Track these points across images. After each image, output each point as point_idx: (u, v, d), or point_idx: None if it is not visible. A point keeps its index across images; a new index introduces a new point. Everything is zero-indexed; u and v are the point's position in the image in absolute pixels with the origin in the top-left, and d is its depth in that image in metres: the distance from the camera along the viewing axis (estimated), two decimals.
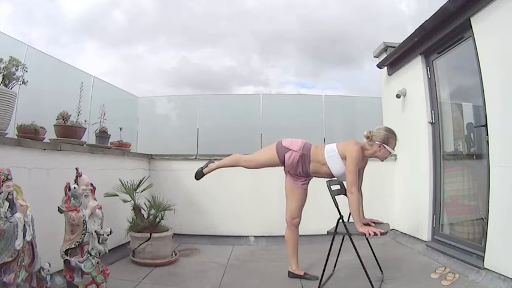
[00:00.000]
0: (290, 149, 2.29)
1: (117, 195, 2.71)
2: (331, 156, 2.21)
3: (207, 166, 2.61)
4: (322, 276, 2.15)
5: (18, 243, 1.42)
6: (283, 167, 2.41)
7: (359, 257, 1.98)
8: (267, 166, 2.46)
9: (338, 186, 2.30)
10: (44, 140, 2.19)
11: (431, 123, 3.09)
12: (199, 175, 2.63)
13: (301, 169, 2.29)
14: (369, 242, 2.27)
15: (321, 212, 2.97)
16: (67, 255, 1.76)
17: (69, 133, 2.37)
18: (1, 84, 1.84)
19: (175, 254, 2.85)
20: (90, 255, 1.83)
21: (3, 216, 1.39)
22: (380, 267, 2.34)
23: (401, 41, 3.28)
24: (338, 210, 2.04)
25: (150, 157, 3.72)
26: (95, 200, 1.97)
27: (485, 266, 2.16)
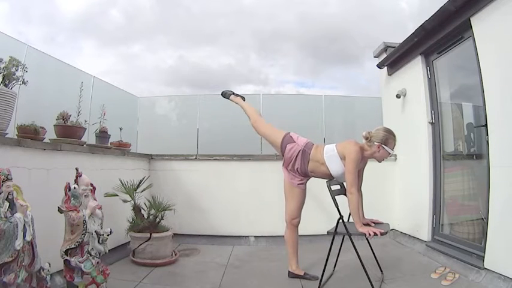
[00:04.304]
0: (294, 141, 2.33)
1: (117, 195, 2.71)
2: (330, 156, 2.21)
3: (236, 96, 2.72)
4: (322, 276, 2.15)
5: (18, 243, 1.42)
6: (282, 163, 2.41)
7: (359, 257, 1.98)
8: (266, 139, 2.55)
9: (338, 186, 2.30)
10: (44, 140, 2.19)
11: (431, 123, 3.09)
12: (226, 95, 2.74)
13: (299, 165, 2.29)
14: (369, 242, 2.27)
15: (321, 212, 2.98)
16: (67, 255, 1.76)
17: (69, 133, 2.37)
18: (1, 84, 1.84)
19: (175, 254, 2.85)
20: (90, 255, 1.83)
21: (3, 216, 1.39)
22: (380, 267, 2.34)
23: (401, 41, 3.29)
24: (338, 210, 2.04)
25: (150, 157, 3.72)
26: (95, 200, 1.97)
27: (485, 266, 2.16)
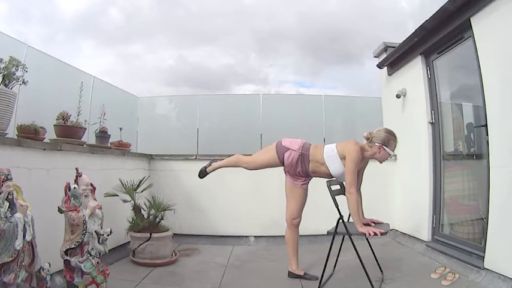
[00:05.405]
0: (289, 149, 2.30)
1: (117, 195, 2.71)
2: (330, 156, 2.21)
3: (210, 165, 2.62)
4: (322, 276, 2.15)
5: (18, 243, 1.42)
6: (283, 167, 2.41)
7: (359, 257, 1.98)
8: (268, 167, 2.46)
9: (338, 186, 2.30)
10: (44, 140, 2.19)
11: (431, 123, 3.09)
12: (202, 174, 2.64)
13: (300, 169, 2.29)
14: (369, 242, 2.27)
15: (321, 212, 2.97)
16: (67, 255, 1.76)
17: (69, 133, 2.37)
18: (1, 84, 1.84)
19: (175, 254, 2.85)
20: (90, 255, 1.83)
21: (3, 216, 1.39)
22: (380, 267, 2.34)
23: (401, 41, 3.29)
24: (338, 210, 2.04)
25: (150, 157, 3.72)
26: (95, 200, 1.97)
27: (485, 266, 2.16)
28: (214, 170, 2.62)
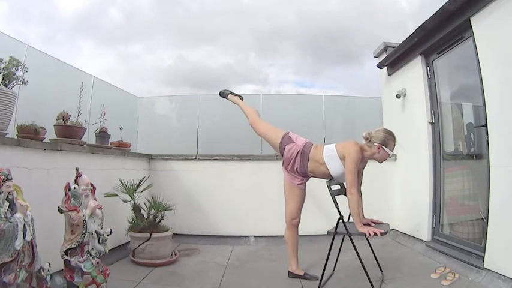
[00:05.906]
0: (293, 142, 2.33)
1: (117, 195, 2.71)
2: (330, 156, 2.21)
3: (234, 96, 2.72)
4: (322, 276, 2.15)
5: (18, 243, 1.42)
6: (281, 164, 2.41)
7: (359, 257, 1.98)
8: (265, 139, 2.54)
9: (338, 186, 2.30)
10: (44, 140, 2.19)
11: (431, 123, 3.09)
12: (223, 94, 2.75)
13: (298, 166, 2.29)
14: (369, 242, 2.27)
15: (321, 212, 2.98)
16: (67, 255, 1.76)
17: (69, 133, 2.37)
18: (1, 84, 1.84)
19: (175, 254, 2.85)
20: (90, 255, 1.83)
21: (3, 216, 1.39)
22: (380, 267, 2.34)
23: (401, 41, 3.29)
24: (338, 210, 2.04)
25: (150, 157, 3.72)
26: (95, 200, 1.97)
27: (485, 266, 2.16)
28: (232, 102, 2.73)
